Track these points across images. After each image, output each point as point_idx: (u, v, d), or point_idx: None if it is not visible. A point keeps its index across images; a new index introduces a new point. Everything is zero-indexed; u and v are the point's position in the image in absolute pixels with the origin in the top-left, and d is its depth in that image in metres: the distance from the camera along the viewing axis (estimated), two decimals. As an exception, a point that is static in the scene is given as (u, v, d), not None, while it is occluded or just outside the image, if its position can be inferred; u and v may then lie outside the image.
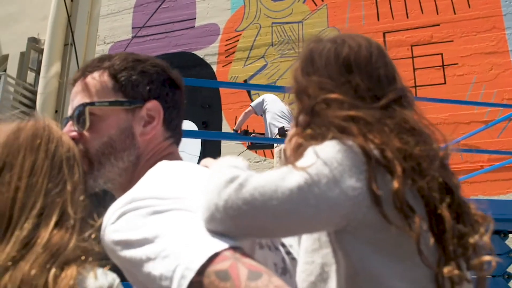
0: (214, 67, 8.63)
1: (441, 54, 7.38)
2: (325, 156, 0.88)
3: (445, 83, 7.20)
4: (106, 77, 1.23)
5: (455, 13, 7.54)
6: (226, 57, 8.66)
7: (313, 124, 1.00)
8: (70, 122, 1.22)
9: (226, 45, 8.73)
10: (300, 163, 0.89)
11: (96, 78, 1.23)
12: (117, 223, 0.92)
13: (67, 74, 9.73)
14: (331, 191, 0.85)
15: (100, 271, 0.97)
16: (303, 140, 0.99)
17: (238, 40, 8.69)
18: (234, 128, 6.80)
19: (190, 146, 7.58)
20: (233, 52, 8.63)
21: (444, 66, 7.31)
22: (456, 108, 6.40)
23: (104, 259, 0.97)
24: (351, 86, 1.01)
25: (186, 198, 0.93)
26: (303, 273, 0.98)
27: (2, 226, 0.96)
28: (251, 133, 7.12)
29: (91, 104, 1.20)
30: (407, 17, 7.79)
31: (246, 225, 0.84)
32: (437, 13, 7.64)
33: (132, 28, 9.52)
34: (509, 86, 6.90)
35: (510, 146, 6.39)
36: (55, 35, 9.94)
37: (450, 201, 0.91)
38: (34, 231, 0.96)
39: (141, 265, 0.85)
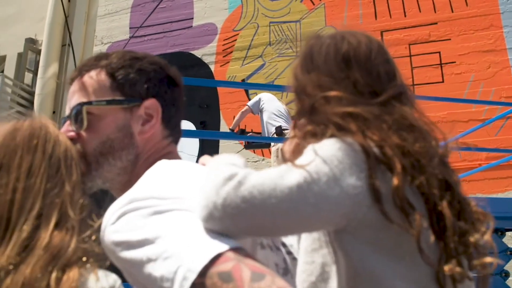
0: (212, 67, 8.62)
1: (439, 52, 7.38)
2: (325, 154, 0.88)
3: (443, 81, 7.21)
4: (103, 76, 1.22)
5: (452, 11, 7.54)
6: (224, 56, 8.65)
7: (312, 122, 1.00)
8: (68, 122, 1.21)
9: (223, 44, 8.72)
10: (300, 161, 0.88)
11: (93, 77, 1.22)
12: (117, 224, 0.91)
13: (65, 75, 9.71)
14: (331, 190, 0.84)
15: (101, 272, 0.96)
16: (302, 138, 0.98)
17: (235, 40, 8.68)
18: (231, 127, 6.79)
19: (188, 146, 7.58)
20: (231, 52, 8.62)
21: (442, 65, 7.31)
22: (454, 106, 6.39)
23: (104, 260, 0.96)
24: (350, 82, 1.00)
25: (186, 198, 0.92)
26: (304, 273, 0.98)
27: (0, 228, 0.95)
28: (248, 132, 7.11)
29: (89, 103, 1.19)
30: (405, 16, 7.79)
31: (245, 223, 0.84)
32: (435, 12, 7.64)
33: (130, 28, 9.51)
34: (507, 84, 6.91)
35: (508, 144, 6.39)
36: (53, 36, 9.92)
37: (451, 198, 0.91)
38: (34, 233, 0.95)
39: (141, 266, 0.84)
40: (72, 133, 1.19)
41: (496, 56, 7.09)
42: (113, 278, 0.97)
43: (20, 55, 10.24)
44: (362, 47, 1.04)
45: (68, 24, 9.88)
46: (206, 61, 8.71)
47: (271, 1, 8.69)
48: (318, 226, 0.90)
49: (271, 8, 8.65)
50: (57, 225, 0.97)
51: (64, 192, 1.02)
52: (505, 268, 3.52)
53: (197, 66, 8.62)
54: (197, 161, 1.17)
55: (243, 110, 6.49)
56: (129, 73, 1.22)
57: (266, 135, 6.13)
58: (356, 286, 0.89)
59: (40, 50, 10.02)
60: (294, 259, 1.11)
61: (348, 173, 0.86)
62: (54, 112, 9.56)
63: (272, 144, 6.14)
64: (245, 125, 7.17)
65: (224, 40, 8.75)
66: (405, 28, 7.67)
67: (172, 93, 1.28)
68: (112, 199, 1.01)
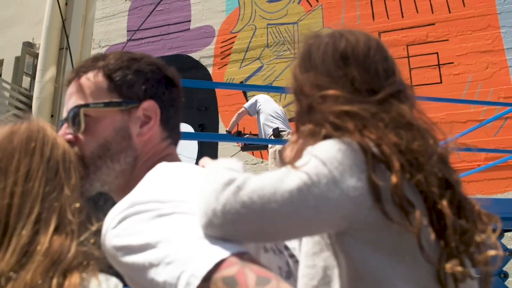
0: (210, 69, 8.63)
1: (437, 53, 7.40)
2: (325, 156, 0.87)
3: (441, 82, 7.22)
4: (100, 77, 1.20)
5: (450, 12, 7.56)
6: (221, 59, 8.66)
7: (310, 122, 0.99)
8: (65, 125, 1.20)
9: (221, 47, 8.73)
10: (299, 164, 0.87)
11: (90, 79, 1.21)
12: (118, 228, 0.90)
13: (63, 79, 9.69)
14: (331, 192, 0.83)
15: (102, 276, 0.95)
16: (302, 140, 0.97)
17: (233, 42, 8.69)
18: (227, 129, 6.78)
19: (187, 149, 7.57)
20: (229, 54, 8.63)
21: (440, 65, 7.32)
22: (453, 107, 6.40)
23: (105, 264, 0.95)
24: (348, 80, 0.99)
25: (188, 201, 0.91)
26: (305, 277, 0.96)
27: None
28: (245, 134, 7.11)
29: (86, 105, 1.18)
30: (402, 17, 7.80)
31: (245, 229, 0.82)
32: (432, 12, 7.66)
33: (127, 31, 9.52)
34: (505, 84, 6.92)
35: (507, 145, 6.40)
36: (50, 40, 9.94)
37: (451, 196, 0.90)
38: (33, 238, 0.93)
39: (143, 271, 0.83)
40: (69, 136, 1.17)
41: (494, 56, 7.11)
42: (114, 282, 0.96)
43: (17, 59, 10.25)
44: (361, 45, 1.03)
45: (66, 28, 9.88)
46: (204, 64, 8.72)
47: (269, 3, 8.70)
48: (319, 229, 0.89)
49: (269, 10, 8.67)
50: (56, 230, 0.96)
51: (63, 196, 1.01)
52: (504, 269, 3.53)
53: (195, 68, 8.62)
54: (196, 164, 1.15)
55: (239, 111, 6.49)
56: (127, 74, 1.21)
57: (263, 137, 6.14)
58: None
59: (37, 54, 10.03)
60: (297, 262, 1.09)
61: (349, 175, 0.85)
62: (52, 116, 9.57)
63: (270, 146, 6.14)
64: (244, 128, 7.17)
65: (221, 42, 8.75)
66: (402, 29, 7.69)
67: (170, 94, 1.26)
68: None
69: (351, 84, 0.99)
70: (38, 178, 1.00)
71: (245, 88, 8.30)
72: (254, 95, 6.84)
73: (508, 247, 3.55)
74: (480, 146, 5.81)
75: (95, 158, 1.16)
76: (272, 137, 5.90)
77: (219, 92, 8.34)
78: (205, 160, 1.13)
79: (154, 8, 8.96)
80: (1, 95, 9.39)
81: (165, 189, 0.96)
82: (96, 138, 1.17)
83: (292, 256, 1.12)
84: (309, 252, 0.97)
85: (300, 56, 1.09)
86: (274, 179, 0.84)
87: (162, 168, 1.07)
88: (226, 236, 0.82)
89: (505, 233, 3.63)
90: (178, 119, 1.29)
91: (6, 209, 0.95)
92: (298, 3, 8.50)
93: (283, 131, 5.89)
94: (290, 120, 6.20)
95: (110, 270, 0.95)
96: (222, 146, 7.95)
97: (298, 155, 0.93)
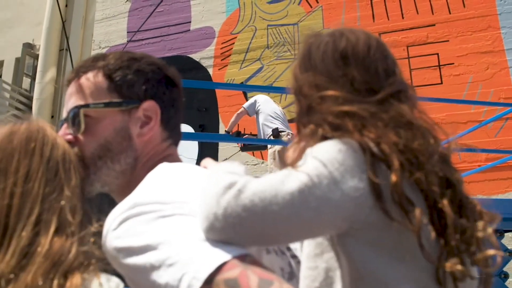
0: (210, 70, 8.63)
1: (437, 54, 7.40)
2: (325, 157, 0.86)
3: (441, 83, 7.22)
4: (100, 77, 1.19)
5: (450, 13, 7.57)
6: (222, 60, 8.66)
7: (310, 123, 0.99)
8: (65, 125, 1.19)
9: (221, 48, 8.73)
10: (300, 165, 0.87)
11: (90, 79, 1.20)
12: (119, 229, 0.89)
13: (63, 80, 9.61)
14: (333, 193, 0.83)
15: (103, 276, 0.94)
16: (304, 140, 0.97)
17: (233, 43, 8.69)
18: (226, 129, 6.77)
19: (187, 150, 7.57)
20: (229, 55, 8.63)
21: (440, 66, 7.32)
22: (453, 108, 6.40)
23: (106, 263, 0.94)
24: (348, 80, 0.99)
25: (190, 202, 0.90)
26: (307, 279, 0.96)
27: None
28: (244, 135, 7.10)
29: (86, 106, 1.17)
30: (403, 18, 7.80)
31: (247, 232, 0.82)
32: (432, 13, 7.66)
33: (127, 32, 9.52)
34: (505, 85, 6.92)
35: (507, 145, 6.40)
36: (50, 41, 9.94)
37: (452, 195, 0.90)
38: (34, 239, 0.92)
39: (144, 273, 0.83)
40: (69, 136, 1.16)
41: (494, 57, 7.11)
42: (116, 282, 0.95)
43: (18, 60, 10.26)
44: (361, 44, 1.03)
45: (66, 29, 9.89)
46: (204, 65, 8.72)
47: (269, 4, 8.70)
48: (320, 231, 0.88)
49: (269, 11, 8.67)
50: (57, 231, 0.95)
51: (63, 197, 1.00)
52: (504, 269, 3.53)
53: (195, 69, 8.63)
54: (196, 165, 1.15)
55: (238, 112, 6.47)
56: (127, 74, 1.20)
57: (262, 137, 6.13)
58: None
59: (37, 55, 10.04)
60: (299, 263, 1.09)
61: (350, 175, 0.85)
62: (52, 117, 9.58)
63: (269, 146, 6.14)
64: (244, 128, 7.17)
65: (222, 43, 8.76)
66: (403, 30, 7.69)
67: (170, 94, 1.25)
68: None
69: (351, 84, 0.99)
70: (38, 178, 0.99)
71: (246, 88, 8.30)
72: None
73: (509, 247, 3.55)
74: (480, 147, 5.80)
75: (95, 158, 1.16)
76: (272, 138, 5.89)
77: (219, 92, 8.34)
78: (207, 161, 1.12)
79: (154, 9, 8.95)
80: (1, 96, 9.39)
81: (166, 190, 0.95)
82: (96, 139, 1.16)
83: (294, 256, 1.12)
84: (311, 254, 0.97)
85: (300, 55, 1.09)
86: (275, 182, 0.83)
87: (163, 169, 1.06)
88: (228, 240, 0.82)
89: (506, 234, 3.62)
90: (179, 119, 1.29)
91: (6, 210, 0.94)
92: (298, 4, 8.51)
93: (283, 131, 5.89)
94: (290, 121, 6.20)
95: (110, 269, 0.94)
96: (223, 147, 7.95)
97: (299, 156, 0.92)
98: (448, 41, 7.42)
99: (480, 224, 0.91)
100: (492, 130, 6.56)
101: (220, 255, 0.78)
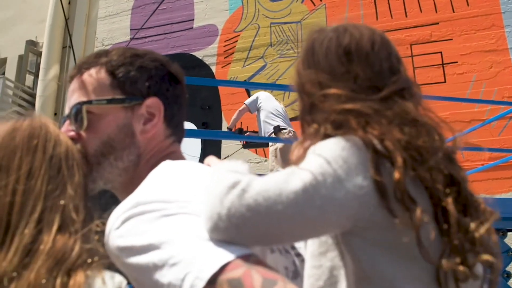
0: (213, 68, 8.63)
1: (441, 52, 7.38)
2: (329, 155, 0.85)
3: (445, 81, 7.20)
4: (103, 74, 1.19)
5: (454, 11, 7.54)
6: (225, 58, 8.65)
7: (314, 121, 0.98)
8: (68, 122, 1.18)
9: (225, 46, 8.73)
10: (304, 163, 0.86)
11: (93, 75, 1.19)
12: (121, 228, 0.88)
13: (66, 77, 9.70)
14: (337, 191, 0.82)
15: (107, 273, 0.93)
16: (308, 139, 0.96)
17: (236, 41, 8.68)
18: (228, 126, 6.76)
19: (190, 147, 7.56)
20: (232, 53, 8.62)
21: (444, 65, 7.31)
22: (457, 106, 6.38)
23: (109, 261, 0.94)
24: (351, 77, 0.98)
25: (193, 201, 0.89)
26: (311, 278, 0.95)
27: (0, 232, 0.93)
28: (246, 132, 7.09)
29: (88, 102, 1.16)
30: (406, 16, 7.78)
31: (250, 232, 0.81)
32: (436, 12, 7.64)
33: (130, 29, 9.52)
34: (509, 84, 6.90)
35: (511, 144, 6.38)
36: (53, 38, 9.94)
37: (456, 194, 0.89)
38: (36, 237, 0.91)
39: (147, 272, 0.82)
40: (72, 133, 1.15)
41: (498, 55, 7.09)
42: (119, 279, 0.94)
43: (21, 57, 10.26)
44: (365, 40, 1.01)
45: (69, 26, 9.88)
46: (207, 63, 8.71)
47: (272, 2, 8.69)
48: (324, 229, 0.88)
49: (272, 9, 8.65)
50: (60, 229, 0.94)
51: (66, 194, 0.99)
52: (507, 269, 3.52)
53: (198, 67, 8.62)
54: (200, 162, 1.14)
55: (240, 108, 6.45)
56: (130, 70, 1.19)
57: (263, 134, 6.11)
58: None
59: (41, 52, 10.04)
60: (303, 261, 1.08)
61: (354, 173, 0.84)
62: (55, 114, 9.58)
63: (270, 144, 6.13)
64: (247, 126, 7.16)
65: (225, 41, 8.75)
66: (406, 28, 7.67)
67: (174, 90, 1.24)
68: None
69: (354, 81, 0.98)
70: (40, 176, 0.98)
71: (249, 86, 8.29)
72: (257, 93, 6.82)
73: (511, 247, 3.53)
74: (484, 146, 5.79)
75: (98, 155, 1.15)
76: (273, 135, 5.88)
77: (222, 90, 8.34)
78: (211, 159, 1.12)
79: (157, 7, 8.94)
80: (4, 93, 9.40)
81: (170, 188, 0.95)
82: (99, 135, 1.15)
83: (298, 255, 1.11)
84: (315, 253, 0.96)
85: (303, 51, 1.08)
86: (279, 180, 0.83)
87: (166, 167, 1.05)
88: (232, 240, 0.81)
89: (509, 233, 3.61)
90: (182, 116, 1.28)
91: (8, 208, 0.94)
92: (302, 2, 8.49)
93: (284, 129, 5.88)
94: (294, 119, 6.19)
95: (114, 266, 0.94)
96: (225, 144, 7.94)
97: (303, 155, 0.92)
98: (451, 39, 7.40)
99: (484, 223, 0.91)
100: (496, 129, 6.54)
101: (224, 255, 0.77)
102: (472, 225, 0.88)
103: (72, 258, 0.90)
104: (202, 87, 7.81)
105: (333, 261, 0.93)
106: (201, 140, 7.97)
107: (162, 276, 0.79)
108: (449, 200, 0.87)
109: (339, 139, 0.89)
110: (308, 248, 0.99)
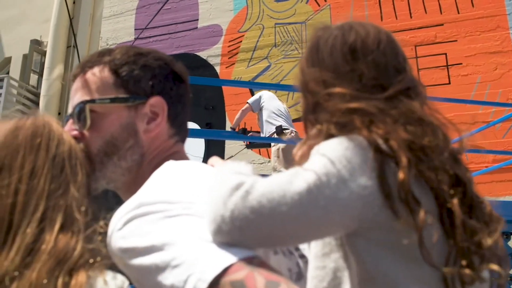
0: (217, 68, 8.63)
1: (445, 54, 7.36)
2: (333, 155, 0.85)
3: (449, 83, 7.19)
4: (106, 73, 1.18)
5: (458, 13, 7.53)
6: (229, 58, 8.65)
7: (317, 120, 0.97)
8: (71, 121, 1.18)
9: (229, 46, 8.73)
10: (308, 163, 0.86)
11: (96, 74, 1.18)
12: (124, 229, 0.88)
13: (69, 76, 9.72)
14: (341, 192, 0.81)
15: (108, 273, 0.93)
16: (311, 139, 0.95)
17: (241, 41, 8.69)
18: (232, 126, 6.75)
19: (194, 147, 7.57)
20: (236, 53, 8.63)
21: (448, 66, 7.29)
22: (461, 108, 6.36)
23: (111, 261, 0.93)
24: (356, 76, 0.97)
25: (196, 203, 0.88)
26: (315, 279, 0.94)
27: (1, 231, 0.92)
28: (249, 132, 7.07)
29: (92, 101, 1.15)
30: (411, 17, 7.77)
31: (254, 234, 0.80)
32: (441, 13, 7.63)
33: (135, 29, 9.53)
34: (514, 85, 6.88)
35: (515, 147, 6.36)
36: (58, 37, 9.97)
37: (462, 195, 0.88)
38: (38, 236, 0.91)
39: (150, 274, 0.81)
40: (75, 132, 1.15)
41: (503, 57, 7.07)
42: (121, 279, 0.94)
43: (25, 57, 10.28)
44: (370, 38, 1.00)
45: (73, 26, 9.91)
46: (211, 63, 8.72)
47: (276, 3, 8.69)
48: (328, 230, 0.87)
49: (276, 9, 8.65)
50: (62, 228, 0.93)
51: (69, 194, 0.99)
52: (510, 272, 3.50)
53: (203, 67, 8.63)
54: (203, 163, 1.14)
55: (243, 108, 6.43)
56: (133, 69, 1.18)
57: (264, 134, 6.10)
58: None
59: (45, 52, 10.07)
60: (307, 262, 1.08)
61: (359, 173, 0.83)
62: (59, 113, 9.60)
63: (273, 144, 6.12)
64: (251, 127, 7.16)
65: (229, 41, 8.75)
66: (411, 29, 7.66)
67: (178, 89, 1.23)
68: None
69: (359, 80, 0.97)
70: (43, 175, 0.98)
71: (253, 86, 8.28)
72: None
73: (515, 249, 3.52)
74: (488, 148, 5.77)
75: (101, 155, 1.14)
76: (275, 135, 5.87)
77: (226, 91, 8.34)
78: (214, 159, 1.11)
79: (162, 7, 8.94)
80: (8, 93, 9.42)
81: (173, 189, 0.94)
82: (102, 135, 1.14)
83: (302, 256, 1.10)
84: (319, 254, 0.95)
85: (308, 49, 1.07)
86: (282, 182, 0.82)
87: (170, 167, 1.05)
88: (235, 242, 0.80)
89: (512, 236, 3.60)
90: (186, 115, 1.27)
91: (10, 207, 0.93)
92: (306, 2, 8.49)
93: (286, 129, 5.87)
94: (298, 119, 6.18)
95: (117, 267, 0.93)
96: (229, 144, 7.94)
97: (306, 155, 0.91)
98: (456, 41, 7.39)
99: (491, 226, 0.90)
100: (500, 131, 6.52)
101: (227, 257, 0.77)
102: (478, 227, 0.87)
103: (74, 258, 0.90)
104: (206, 87, 7.81)
105: (337, 262, 0.92)
106: (205, 140, 7.97)
107: (165, 278, 0.79)
108: (455, 201, 0.86)
109: (343, 139, 0.88)
110: (312, 249, 0.98)
